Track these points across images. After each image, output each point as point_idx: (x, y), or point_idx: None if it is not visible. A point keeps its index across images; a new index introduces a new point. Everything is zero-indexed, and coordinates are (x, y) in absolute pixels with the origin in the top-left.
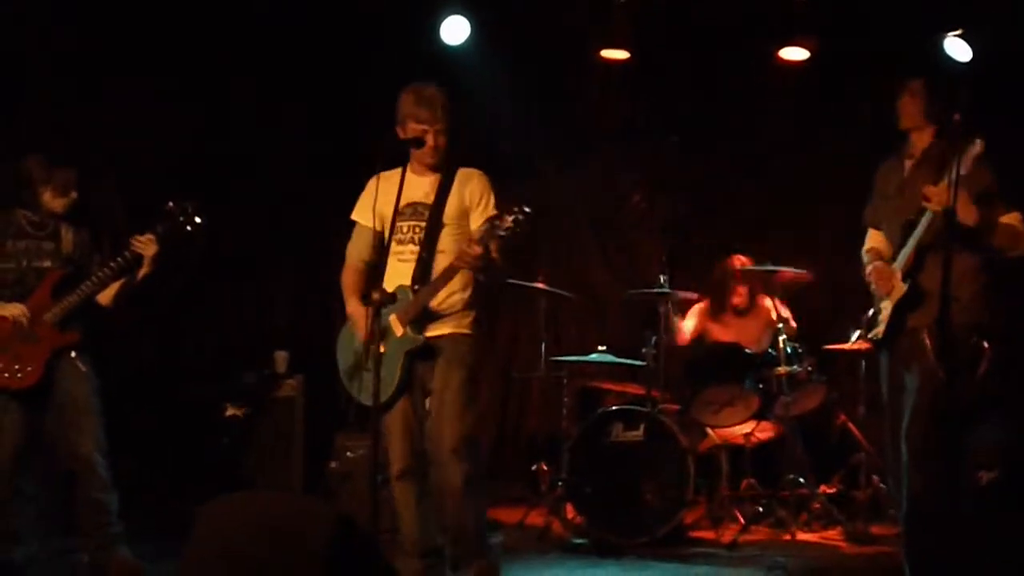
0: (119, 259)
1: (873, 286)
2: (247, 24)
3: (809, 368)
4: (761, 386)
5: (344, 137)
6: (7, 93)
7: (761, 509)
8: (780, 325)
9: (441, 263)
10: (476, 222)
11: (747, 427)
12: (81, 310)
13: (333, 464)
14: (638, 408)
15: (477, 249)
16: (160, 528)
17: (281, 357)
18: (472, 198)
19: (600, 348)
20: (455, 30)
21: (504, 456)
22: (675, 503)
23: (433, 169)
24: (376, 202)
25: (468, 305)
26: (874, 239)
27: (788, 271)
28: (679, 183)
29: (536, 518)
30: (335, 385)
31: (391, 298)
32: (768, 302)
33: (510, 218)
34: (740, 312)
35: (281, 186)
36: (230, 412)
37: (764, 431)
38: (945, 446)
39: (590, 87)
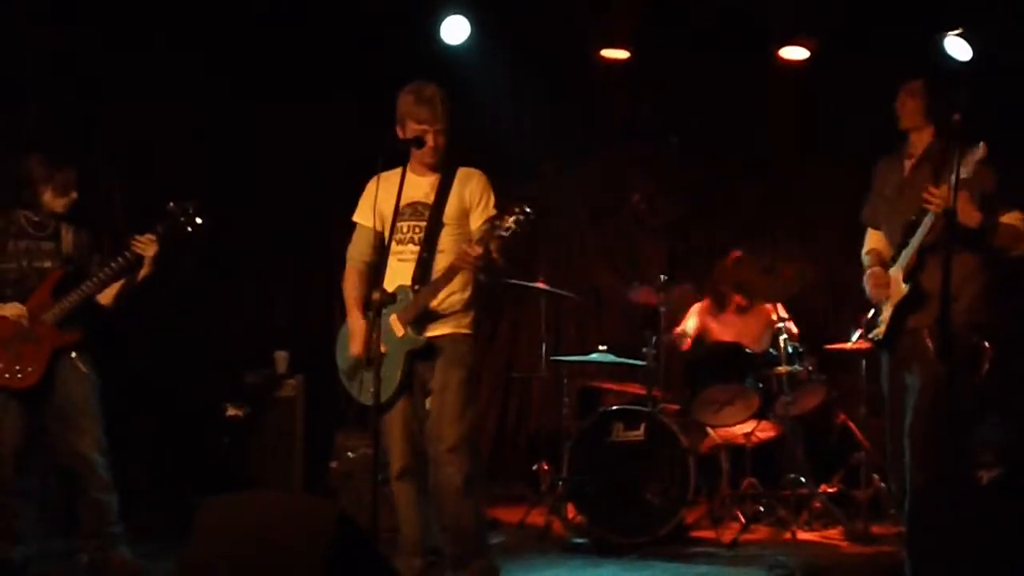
0: (120, 259)
1: (869, 292)
2: (247, 24)
3: (809, 368)
4: (761, 385)
5: (344, 137)
6: (7, 93)
7: (762, 508)
8: (780, 325)
9: (441, 263)
10: (476, 222)
11: (748, 426)
12: (81, 310)
13: (333, 464)
14: (639, 408)
15: (478, 250)
16: (160, 528)
17: (281, 357)
18: (472, 198)
19: (600, 348)
20: (455, 30)
21: (504, 456)
22: (676, 503)
23: (433, 169)
24: (376, 202)
25: (468, 305)
26: (874, 239)
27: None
28: (679, 183)
29: (537, 518)
30: (335, 385)
31: (391, 298)
32: (767, 304)
33: (511, 218)
34: (741, 310)
35: (281, 186)
36: (230, 412)
37: (765, 430)
38: (947, 446)
39: (590, 87)
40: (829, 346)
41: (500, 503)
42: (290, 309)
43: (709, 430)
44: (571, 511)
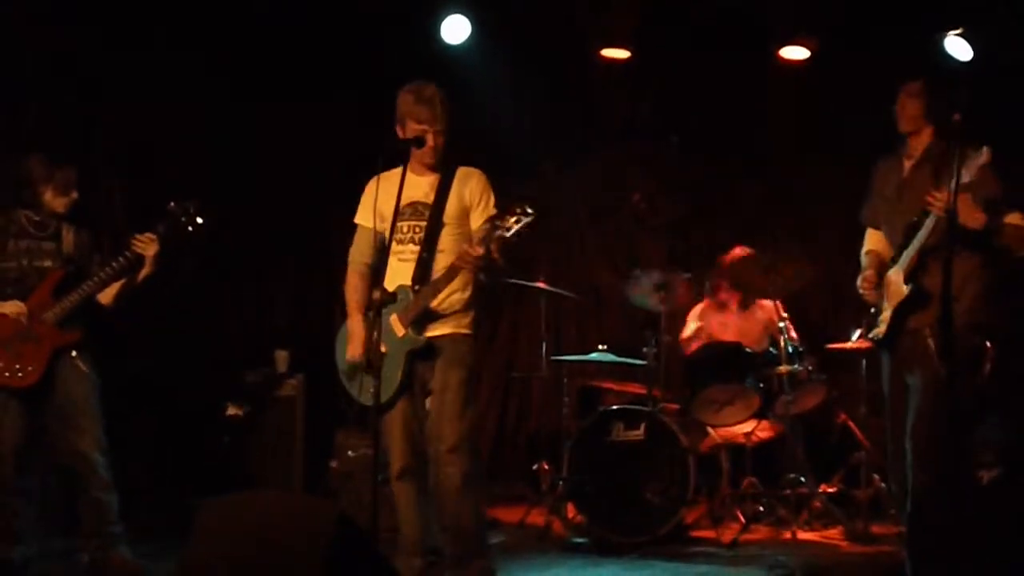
0: (120, 259)
1: (862, 294)
2: (247, 24)
3: (810, 367)
4: (762, 385)
5: (344, 137)
6: (7, 93)
7: (762, 508)
8: (781, 324)
9: (441, 262)
10: (476, 222)
11: (748, 426)
12: (82, 310)
13: (333, 463)
14: (639, 407)
15: (479, 250)
16: (160, 528)
17: (282, 356)
18: (472, 197)
19: (601, 347)
20: (456, 29)
21: (504, 456)
22: (676, 502)
23: (433, 169)
24: (376, 202)
25: (468, 305)
26: (873, 240)
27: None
28: (679, 182)
29: (537, 517)
30: (335, 384)
31: (392, 298)
32: (768, 302)
33: (513, 219)
34: (742, 307)
35: (281, 186)
36: (231, 411)
37: (765, 430)
38: (949, 446)
39: (590, 86)
40: (829, 346)
41: (500, 503)
42: (290, 309)
43: (709, 430)
44: (571, 511)
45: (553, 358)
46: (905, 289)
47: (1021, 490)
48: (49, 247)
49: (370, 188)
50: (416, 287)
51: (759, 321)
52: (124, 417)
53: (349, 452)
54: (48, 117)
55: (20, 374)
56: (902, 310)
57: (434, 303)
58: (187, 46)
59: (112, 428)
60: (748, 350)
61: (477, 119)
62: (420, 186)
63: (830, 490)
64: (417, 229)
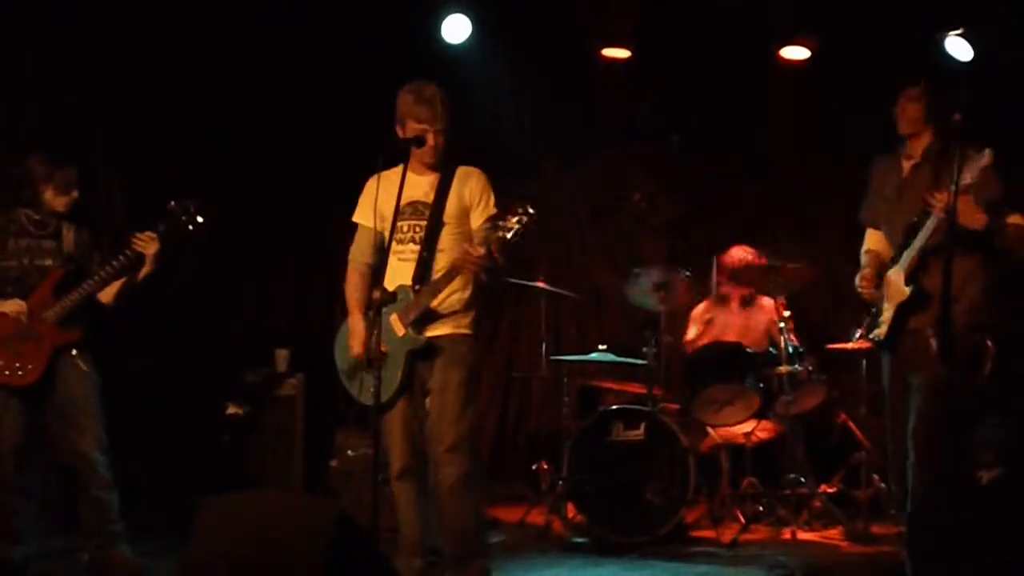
0: (120, 257)
1: (860, 293)
2: (247, 24)
3: (810, 367)
4: (762, 385)
5: (344, 137)
6: (7, 93)
7: (762, 508)
8: (782, 324)
9: (441, 262)
10: (476, 221)
11: (748, 426)
12: (82, 309)
13: (334, 463)
14: (639, 407)
15: (480, 250)
16: (161, 527)
17: (282, 356)
18: (472, 197)
19: (601, 347)
20: (456, 29)
21: (504, 455)
22: (676, 502)
23: (433, 168)
24: (376, 202)
25: (468, 305)
26: (873, 239)
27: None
28: (679, 182)
29: (537, 517)
30: (336, 384)
31: (392, 297)
32: (769, 301)
33: (514, 218)
34: (745, 303)
35: (281, 186)
36: (231, 411)
37: (765, 430)
38: (949, 446)
39: (591, 86)
40: (829, 346)
41: (500, 503)
42: (290, 309)
43: (709, 430)
44: (571, 511)
45: (553, 358)
46: (906, 290)
47: (1021, 490)
48: (49, 246)
49: (370, 187)
50: (416, 287)
51: (761, 321)
52: (124, 416)
53: (349, 452)
54: (48, 117)
55: (20, 372)
56: (903, 310)
57: (434, 303)
58: (187, 46)
59: (112, 427)
60: (748, 350)
61: (477, 119)
62: (420, 185)
63: (830, 490)
64: (417, 228)
